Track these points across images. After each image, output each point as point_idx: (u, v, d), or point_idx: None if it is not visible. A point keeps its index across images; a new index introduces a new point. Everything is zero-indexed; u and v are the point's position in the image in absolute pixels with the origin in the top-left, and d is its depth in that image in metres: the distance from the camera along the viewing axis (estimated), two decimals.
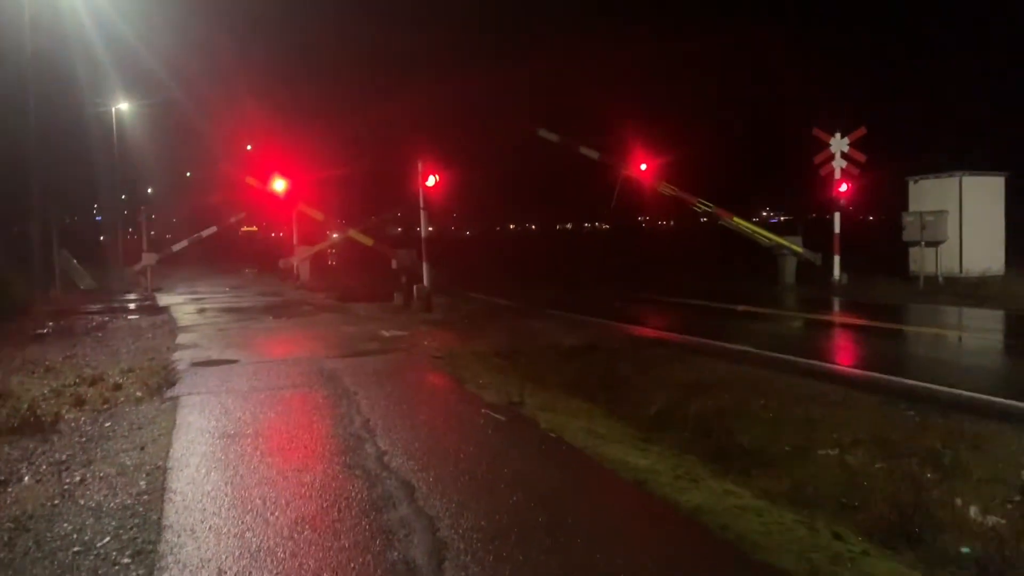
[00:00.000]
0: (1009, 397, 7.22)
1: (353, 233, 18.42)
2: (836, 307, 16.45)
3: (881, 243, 23.24)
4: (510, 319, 14.57)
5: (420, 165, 16.39)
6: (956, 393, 7.50)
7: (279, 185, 21.90)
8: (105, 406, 7.84)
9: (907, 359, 10.38)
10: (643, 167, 22.30)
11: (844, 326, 13.56)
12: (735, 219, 22.14)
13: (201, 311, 17.53)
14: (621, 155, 22.52)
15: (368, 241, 17.92)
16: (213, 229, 31.24)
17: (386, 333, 12.57)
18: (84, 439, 6.57)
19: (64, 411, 7.61)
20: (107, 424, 7.04)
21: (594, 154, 22.41)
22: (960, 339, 11.76)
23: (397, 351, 10.72)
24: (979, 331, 12.30)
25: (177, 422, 6.89)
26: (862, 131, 20.08)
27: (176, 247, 30.54)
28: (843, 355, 10.48)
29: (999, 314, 14.01)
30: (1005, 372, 9.15)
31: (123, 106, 32.62)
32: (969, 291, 16.89)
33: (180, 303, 19.88)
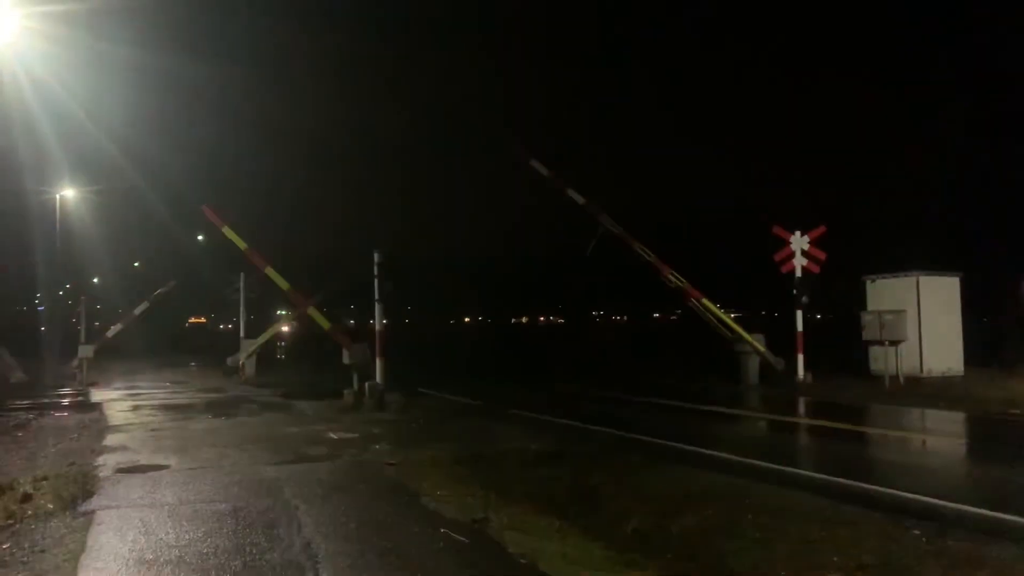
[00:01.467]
0: (1020, 514, 6.62)
1: (312, 311, 17.45)
2: (807, 409, 15.98)
3: (835, 342, 23.05)
4: (470, 419, 13.76)
5: (376, 255, 15.80)
6: (962, 509, 6.89)
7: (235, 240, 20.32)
8: (9, 522, 6.85)
9: (899, 468, 9.77)
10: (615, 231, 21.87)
11: (821, 430, 13.00)
12: (704, 301, 21.68)
13: (136, 408, 16.36)
14: (602, 207, 21.97)
15: (325, 324, 17.01)
16: (145, 305, 30.01)
17: (334, 436, 11.66)
18: None
19: None
20: (5, 545, 6.07)
21: (580, 199, 21.87)
22: (949, 445, 11.21)
23: (346, 457, 9.84)
24: (963, 436, 11.83)
25: (87, 544, 5.94)
26: (822, 229, 20.12)
27: (111, 331, 29.24)
28: (829, 463, 9.79)
29: (974, 416, 13.63)
30: (1008, 483, 8.51)
31: (68, 192, 31.65)
32: (936, 392, 16.60)
33: (115, 399, 18.63)
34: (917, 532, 6.03)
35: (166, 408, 16.42)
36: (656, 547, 6.35)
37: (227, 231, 19.13)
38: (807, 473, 8.76)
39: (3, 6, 12.26)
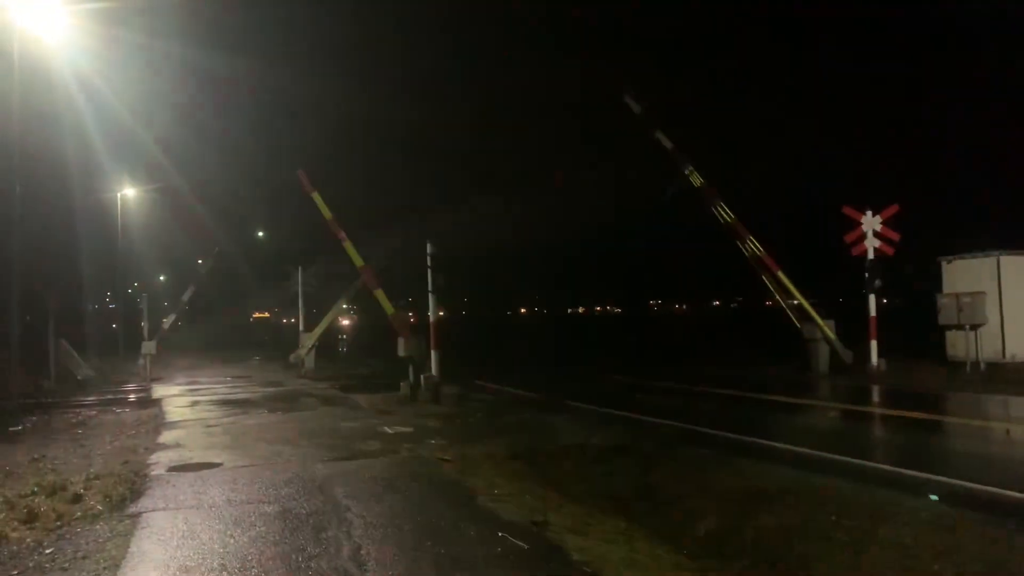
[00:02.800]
0: None
1: (379, 293, 17.14)
2: (882, 398, 15.13)
3: (906, 327, 21.92)
4: (526, 413, 13.33)
5: (428, 246, 15.48)
6: None
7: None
8: (57, 523, 6.68)
9: (994, 463, 9.02)
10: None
11: (901, 421, 12.19)
12: (780, 275, 20.81)
13: (193, 404, 16.37)
14: (688, 157, 21.46)
15: (389, 308, 16.71)
16: (191, 290, 30.61)
17: (389, 430, 11.36)
18: (17, 572, 5.41)
19: (10, 530, 6.47)
20: (49, 551, 5.87)
21: (668, 143, 21.36)
22: None
23: (400, 452, 9.50)
24: None
25: (130, 551, 5.68)
26: (894, 208, 19.12)
27: (166, 322, 29.80)
28: (913, 457, 9.03)
29: None
30: None
31: (128, 191, 32.18)
32: (1020, 378, 15.58)
33: (175, 394, 18.73)
34: None
35: (224, 403, 16.39)
36: (731, 552, 5.85)
37: (316, 197, 19.42)
38: (891, 468, 8.09)
39: (52, 3, 12.21)
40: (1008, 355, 18.20)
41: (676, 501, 7.11)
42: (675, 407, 14.18)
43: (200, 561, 5.36)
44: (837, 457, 8.84)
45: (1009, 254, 19.00)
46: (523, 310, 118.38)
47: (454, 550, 5.54)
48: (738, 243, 21.09)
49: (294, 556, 5.41)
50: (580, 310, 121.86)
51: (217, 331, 51.79)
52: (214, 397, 17.83)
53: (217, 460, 9.30)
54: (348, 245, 18.47)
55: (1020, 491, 6.83)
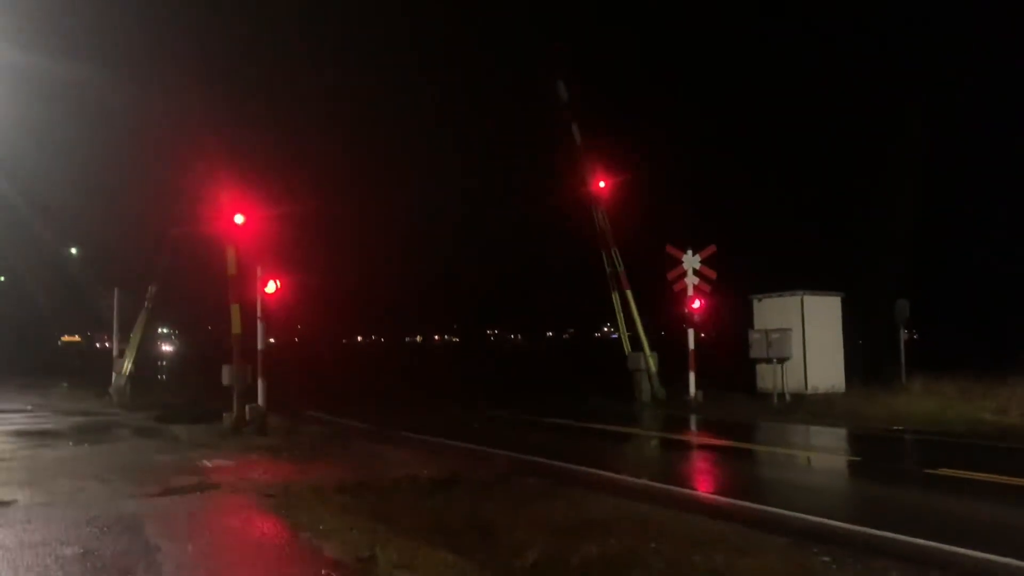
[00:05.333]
0: (927, 537, 6.49)
1: (234, 308, 15.43)
2: (702, 428, 16.00)
3: (720, 360, 23.37)
4: (358, 444, 13.02)
5: (259, 270, 14.89)
6: (870, 533, 6.72)
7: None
8: None
9: (798, 489, 9.71)
10: (602, 184, 21.43)
11: (718, 450, 12.92)
12: (629, 295, 21.43)
13: None
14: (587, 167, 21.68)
15: (238, 327, 15.34)
16: None
17: (208, 463, 10.74)
18: None
19: None
20: None
21: (578, 138, 21.34)
22: (845, 464, 11.20)
23: (219, 488, 8.99)
24: (857, 454, 11.85)
25: None
26: (712, 249, 20.43)
27: None
28: (728, 484, 9.65)
29: (864, 433, 13.89)
30: (915, 505, 8.37)
31: None
32: (822, 409, 16.96)
33: None
34: (827, 559, 5.81)
35: (22, 434, 14.93)
36: None
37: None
38: (707, 495, 8.56)
39: None
40: (810, 387, 19.77)
41: (506, 532, 7.13)
42: (510, 436, 14.34)
43: None
44: (658, 485, 9.23)
45: (812, 294, 20.73)
46: (359, 338, 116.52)
47: None
48: (603, 253, 21.58)
49: None
50: (418, 339, 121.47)
51: (18, 355, 47.42)
52: (11, 427, 16.21)
53: (10, 498, 8.43)
54: (231, 250, 16.03)
55: (821, 516, 7.39)
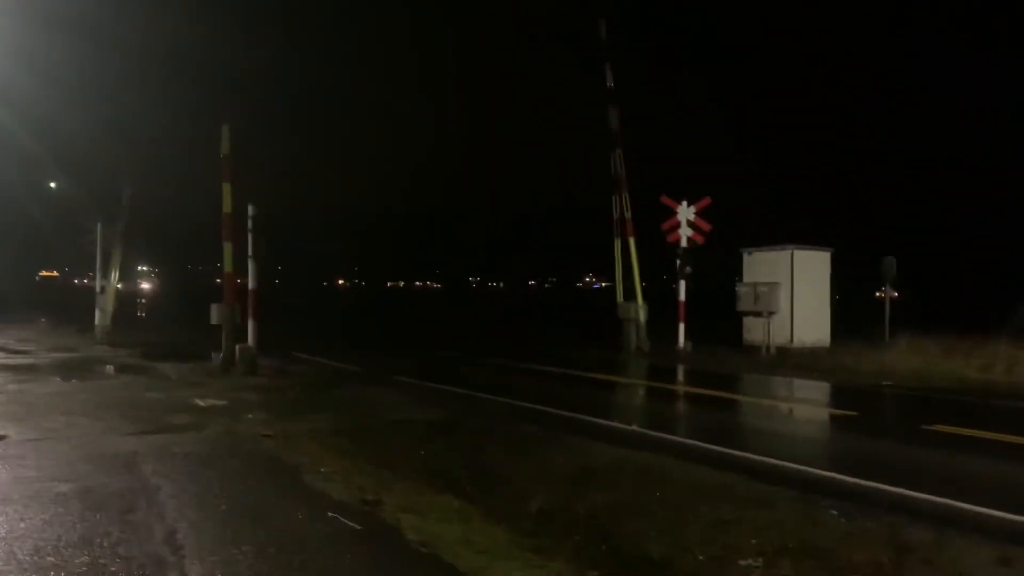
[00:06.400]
0: (932, 493, 6.49)
1: (227, 246, 14.86)
2: (694, 379, 16.02)
3: (703, 313, 23.39)
4: (350, 387, 12.93)
5: (250, 208, 14.61)
6: (876, 487, 6.71)
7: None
8: None
9: (798, 441, 9.74)
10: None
11: (713, 401, 12.90)
12: (632, 242, 21.38)
13: None
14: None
15: (230, 265, 15.00)
16: None
17: (201, 403, 10.62)
18: None
19: None
20: None
21: (611, 81, 21.27)
22: (844, 418, 11.04)
23: (215, 427, 8.88)
24: (851, 407, 11.74)
25: None
26: (707, 200, 20.29)
27: None
28: (727, 435, 9.57)
29: (854, 388, 13.98)
30: (915, 460, 8.33)
31: None
32: (810, 363, 17.07)
33: None
34: (835, 512, 5.81)
35: (8, 368, 14.75)
36: (564, 529, 5.90)
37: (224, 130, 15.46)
38: (708, 446, 8.52)
39: None
40: (796, 341, 19.87)
41: (507, 479, 7.09)
42: (503, 383, 14.31)
43: None
44: (658, 434, 9.24)
45: (802, 248, 20.72)
46: (341, 281, 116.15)
47: (280, 532, 5.20)
48: (613, 198, 21.48)
49: (98, 541, 4.86)
50: (400, 284, 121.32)
51: None
52: None
53: (1, 433, 8.29)
54: (227, 187, 15.33)
55: (824, 470, 7.40)
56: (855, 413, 11.32)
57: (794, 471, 7.42)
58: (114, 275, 23.70)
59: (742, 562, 5.12)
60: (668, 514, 5.99)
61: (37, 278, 70.16)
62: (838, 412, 11.45)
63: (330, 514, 5.56)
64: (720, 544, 5.39)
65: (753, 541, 5.39)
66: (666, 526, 5.76)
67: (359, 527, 5.32)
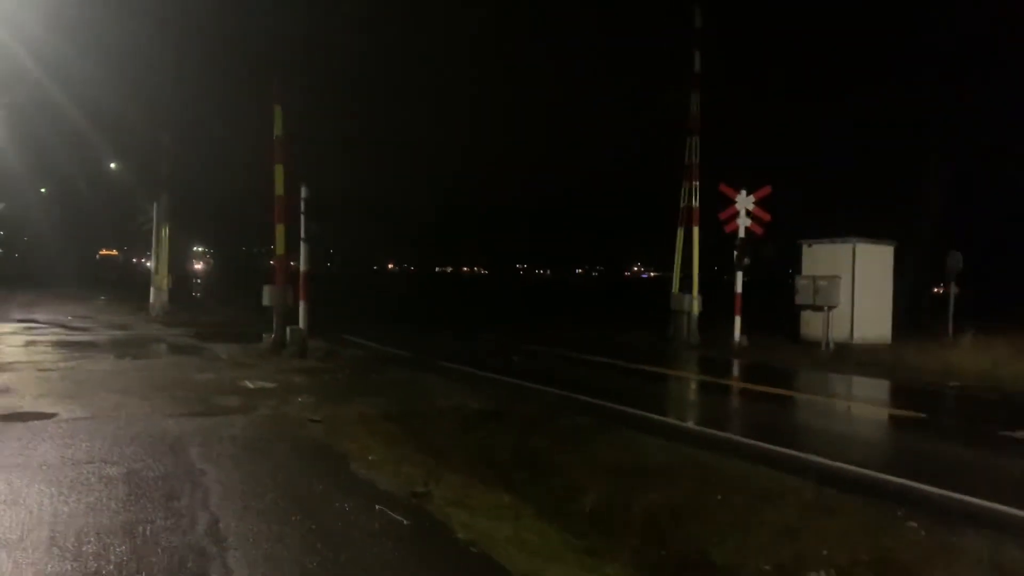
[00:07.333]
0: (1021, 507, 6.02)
1: (279, 228, 14.63)
2: (750, 374, 15.51)
3: (759, 305, 22.75)
4: (398, 371, 12.78)
5: (303, 190, 14.52)
6: (956, 499, 6.25)
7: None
8: None
9: (865, 445, 9.25)
10: None
11: (771, 398, 12.36)
12: (695, 231, 20.99)
13: (28, 344, 14.85)
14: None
15: (282, 247, 14.91)
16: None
17: (251, 385, 10.56)
18: None
19: None
20: None
21: (698, 66, 20.66)
22: (914, 420, 10.35)
23: (263, 410, 8.78)
24: (920, 409, 11.00)
25: None
26: (767, 190, 19.63)
27: None
28: (789, 436, 9.13)
29: (921, 388, 13.36)
30: (997, 470, 7.74)
31: None
32: (872, 359, 16.43)
33: (7, 332, 16.99)
34: (914, 524, 5.40)
35: (63, 345, 14.96)
36: (619, 529, 5.62)
37: (277, 111, 15.31)
38: (770, 446, 8.13)
39: None
40: (856, 337, 19.21)
41: (559, 473, 6.82)
42: (550, 371, 14.03)
43: (23, 534, 4.59)
44: (715, 432, 8.87)
45: (865, 242, 20.00)
46: (391, 266, 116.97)
47: (326, 525, 5.01)
48: (684, 185, 21.15)
49: (140, 529, 4.72)
50: (448, 269, 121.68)
51: (60, 266, 48.12)
52: (53, 338, 16.28)
53: (51, 410, 8.30)
54: (280, 168, 15.17)
55: (897, 476, 6.95)
56: (923, 415, 10.76)
57: (863, 476, 7.01)
58: (164, 254, 24.02)
59: (812, 574, 4.79)
60: (730, 518, 5.65)
61: (97, 257, 71.85)
62: (905, 413, 10.89)
63: (378, 507, 5.36)
64: (787, 553, 5.05)
65: (824, 551, 5.03)
66: (728, 531, 5.43)
67: (407, 522, 5.10)
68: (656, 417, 9.73)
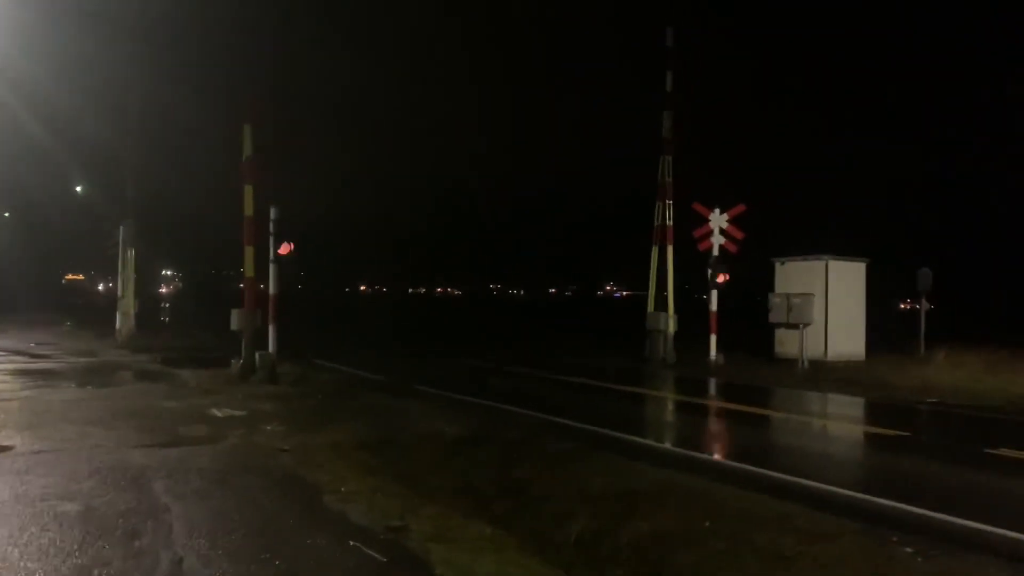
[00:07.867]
0: (1015, 528, 5.84)
1: (248, 250, 14.24)
2: (729, 393, 15.34)
3: (734, 323, 22.69)
4: (373, 397, 12.45)
5: (272, 211, 14.20)
6: (951, 521, 6.05)
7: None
8: None
9: (852, 466, 9.12)
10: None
11: (752, 418, 12.21)
12: (670, 250, 20.87)
13: None
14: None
15: (251, 270, 14.52)
16: None
17: (218, 413, 10.19)
18: None
19: None
20: None
21: (670, 85, 20.70)
22: (898, 439, 10.13)
23: (231, 440, 8.44)
24: (902, 427, 10.83)
25: None
26: (741, 208, 19.66)
27: None
28: (773, 457, 8.95)
29: (900, 405, 13.27)
30: (987, 490, 7.58)
31: None
32: (849, 377, 16.38)
33: None
34: (909, 550, 5.22)
35: (23, 374, 14.47)
36: (607, 560, 5.39)
37: (247, 130, 14.85)
38: (757, 470, 7.93)
39: None
40: (831, 354, 19.20)
41: (541, 501, 6.58)
42: (529, 394, 13.79)
43: None
44: (699, 455, 8.70)
45: (837, 259, 20.07)
46: (363, 288, 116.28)
47: (298, 563, 4.72)
48: (657, 204, 21.13)
49: (96, 573, 4.41)
50: (422, 290, 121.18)
51: (24, 292, 47.03)
52: (13, 366, 15.76)
53: (8, 443, 7.92)
54: (249, 189, 14.69)
55: (888, 499, 6.76)
56: (907, 433, 10.66)
57: (852, 499, 6.83)
58: (131, 278, 23.48)
59: None
60: (721, 546, 5.44)
61: (63, 281, 70.61)
62: (888, 432, 10.75)
63: (352, 543, 5.08)
64: None
65: None
66: (721, 560, 5.22)
67: (383, 559, 4.83)
68: (638, 440, 9.53)
